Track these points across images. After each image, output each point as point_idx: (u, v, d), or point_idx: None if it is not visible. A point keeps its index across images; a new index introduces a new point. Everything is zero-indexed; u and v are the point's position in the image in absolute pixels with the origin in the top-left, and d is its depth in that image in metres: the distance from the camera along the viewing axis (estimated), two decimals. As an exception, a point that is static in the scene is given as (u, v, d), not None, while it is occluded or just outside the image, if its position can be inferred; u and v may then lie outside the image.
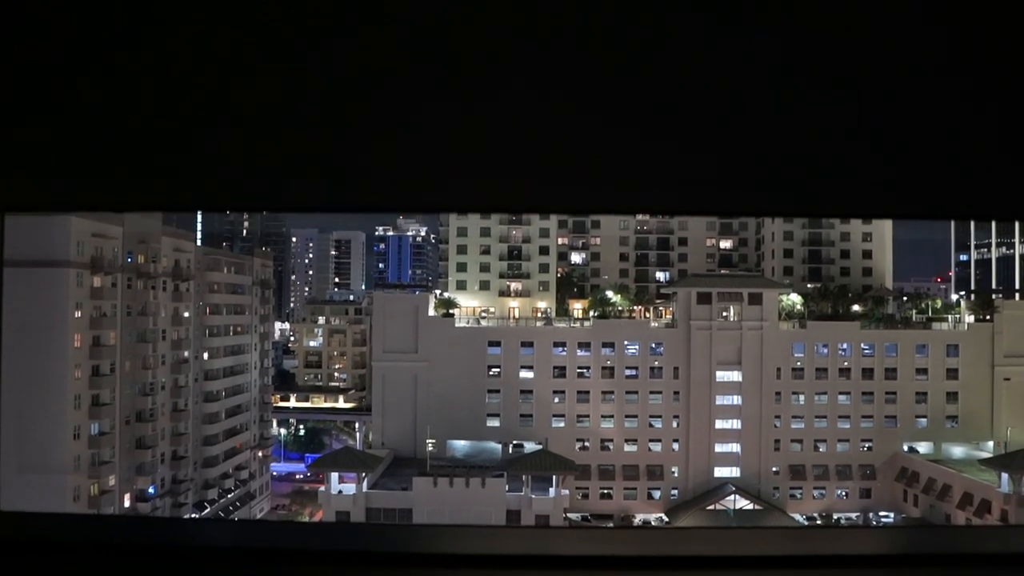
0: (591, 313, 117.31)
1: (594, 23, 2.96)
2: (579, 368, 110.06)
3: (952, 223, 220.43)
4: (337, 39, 2.97)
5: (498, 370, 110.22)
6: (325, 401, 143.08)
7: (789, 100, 2.95)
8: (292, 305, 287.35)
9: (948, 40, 2.93)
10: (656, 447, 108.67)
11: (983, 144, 2.96)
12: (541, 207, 3.12)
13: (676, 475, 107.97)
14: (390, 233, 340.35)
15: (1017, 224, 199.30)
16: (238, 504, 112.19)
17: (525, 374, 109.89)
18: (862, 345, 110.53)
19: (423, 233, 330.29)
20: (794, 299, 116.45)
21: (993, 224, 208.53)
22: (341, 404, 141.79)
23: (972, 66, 2.93)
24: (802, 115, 2.96)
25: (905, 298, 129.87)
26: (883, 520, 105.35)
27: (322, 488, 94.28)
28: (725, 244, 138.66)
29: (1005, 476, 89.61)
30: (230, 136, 3.01)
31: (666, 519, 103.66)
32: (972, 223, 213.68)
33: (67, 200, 3.11)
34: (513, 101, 2.98)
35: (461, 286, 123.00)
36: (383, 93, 2.97)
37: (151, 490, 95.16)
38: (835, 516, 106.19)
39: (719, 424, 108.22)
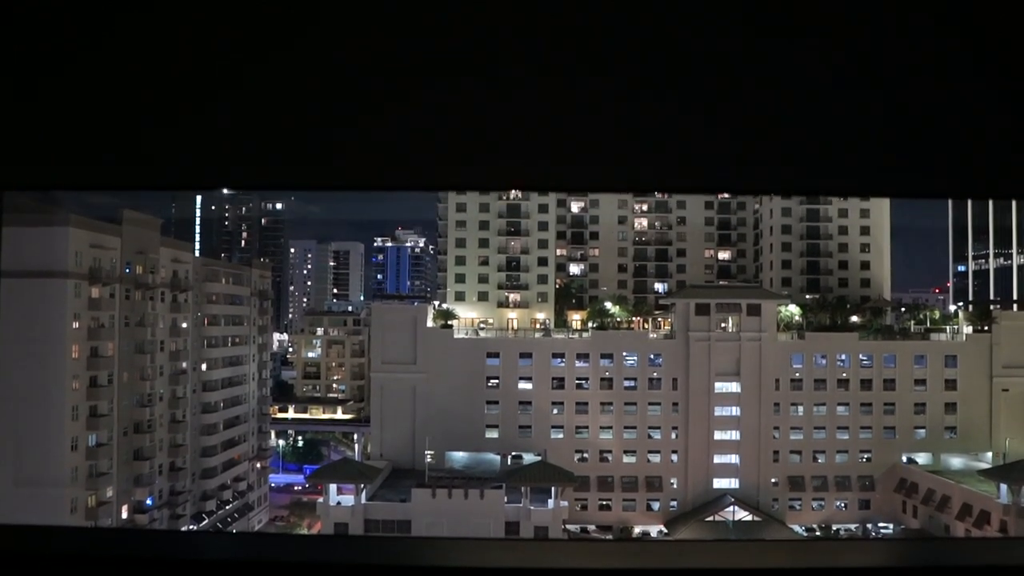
0: (590, 324, 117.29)
1: (594, 21, 2.98)
2: (578, 379, 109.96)
3: (950, 229, 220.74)
4: (329, 23, 2.98)
5: (497, 381, 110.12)
6: (323, 412, 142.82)
7: (802, 81, 2.97)
8: (290, 316, 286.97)
9: (960, 27, 2.95)
10: (655, 458, 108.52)
11: (992, 126, 2.98)
12: (541, 185, 3.13)
13: (675, 486, 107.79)
14: (388, 244, 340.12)
15: (1015, 233, 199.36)
16: (236, 516, 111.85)
17: (524, 385, 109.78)
18: (860, 356, 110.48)
19: (421, 244, 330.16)
20: (792, 310, 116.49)
21: (991, 203, 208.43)
22: (340, 415, 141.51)
23: (982, 52, 2.95)
24: (817, 95, 2.98)
25: (903, 309, 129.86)
26: (882, 531, 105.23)
27: (320, 499, 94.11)
28: (724, 255, 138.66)
29: (1004, 487, 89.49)
30: (225, 117, 3.02)
31: (665, 531, 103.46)
32: (970, 232, 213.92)
33: (60, 179, 3.12)
34: (516, 83, 2.99)
35: (460, 297, 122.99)
36: (375, 74, 2.99)
37: (149, 502, 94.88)
38: (834, 527, 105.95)
39: (718, 435, 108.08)
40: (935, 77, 2.97)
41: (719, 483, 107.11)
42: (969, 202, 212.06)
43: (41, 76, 3.02)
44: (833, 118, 3.00)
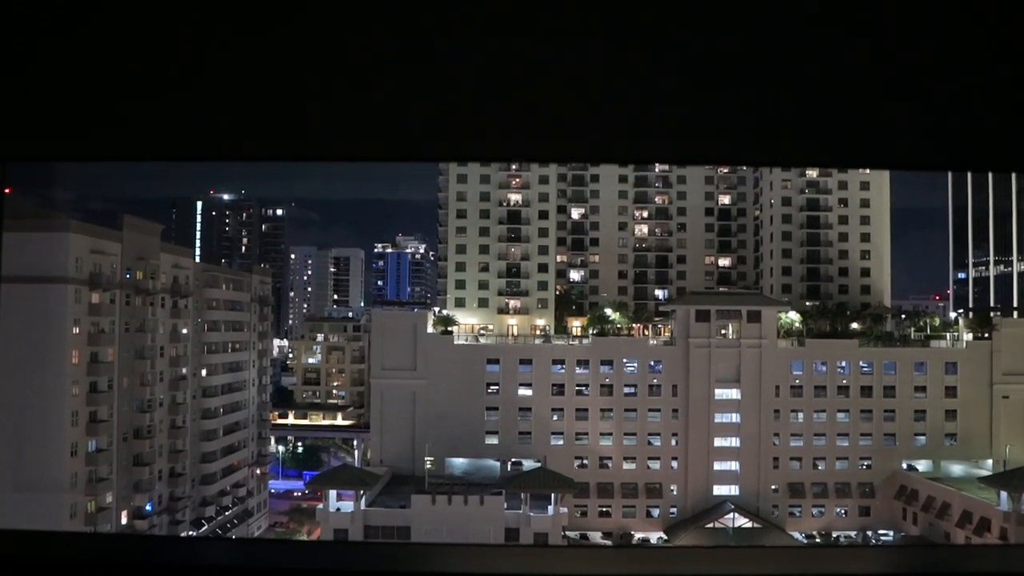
0: (590, 331, 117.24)
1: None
2: (578, 386, 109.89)
3: (951, 236, 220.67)
4: None
5: (497, 387, 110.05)
6: (323, 418, 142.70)
7: (817, 52, 2.97)
8: (291, 322, 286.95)
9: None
10: (655, 465, 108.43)
11: (1008, 99, 2.97)
12: (544, 156, 3.12)
13: (675, 493, 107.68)
14: (389, 250, 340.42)
15: (1015, 240, 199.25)
16: (236, 522, 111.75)
17: (524, 392, 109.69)
18: (860, 363, 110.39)
19: (422, 250, 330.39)
20: (793, 317, 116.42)
21: (991, 209, 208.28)
22: (339, 421, 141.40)
23: (998, 26, 2.95)
24: (833, 68, 2.97)
25: (903, 316, 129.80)
26: (882, 538, 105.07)
27: (320, 506, 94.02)
28: (724, 262, 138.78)
29: (1004, 494, 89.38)
30: (218, 90, 3.02)
31: (665, 537, 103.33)
32: (970, 239, 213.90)
33: (57, 151, 3.13)
34: (518, 53, 2.98)
35: (460, 303, 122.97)
36: (371, 45, 2.98)
37: (149, 507, 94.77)
38: (834, 534, 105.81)
39: (718, 442, 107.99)
40: (935, 48, 2.97)
41: (719, 490, 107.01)
42: (970, 208, 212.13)
43: (38, 50, 3.03)
44: (837, 89, 2.99)
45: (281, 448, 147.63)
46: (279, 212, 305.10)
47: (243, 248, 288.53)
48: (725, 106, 2.99)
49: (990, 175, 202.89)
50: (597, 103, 3.00)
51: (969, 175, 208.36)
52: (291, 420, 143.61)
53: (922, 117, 3.00)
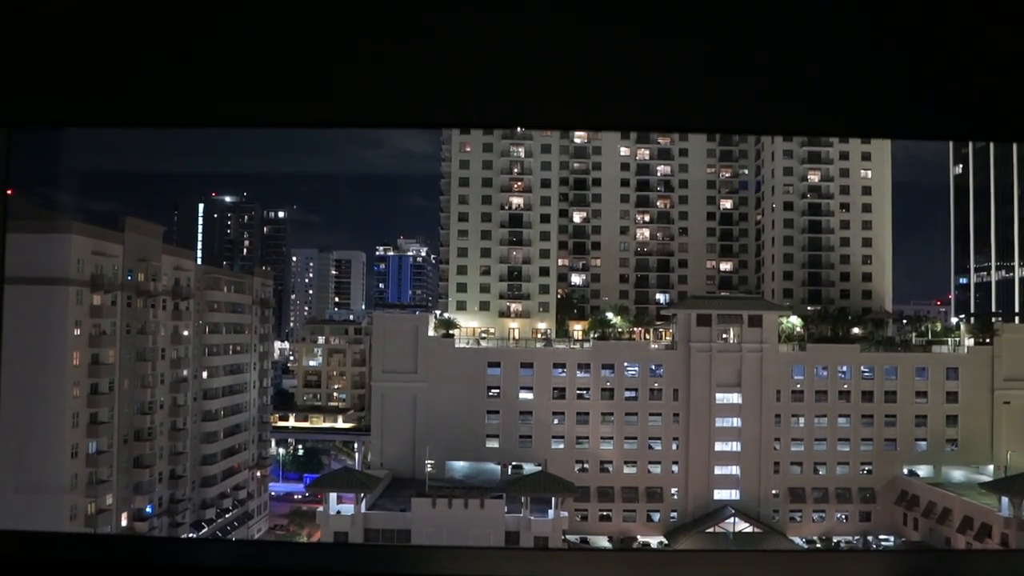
0: (591, 334, 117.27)
1: None
2: (579, 389, 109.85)
3: (952, 241, 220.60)
4: None
5: (498, 391, 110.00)
6: (324, 421, 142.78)
7: (820, 20, 2.96)
8: (292, 324, 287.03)
9: None
10: (656, 469, 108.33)
11: (1009, 67, 2.97)
12: (543, 123, 3.11)
13: (676, 497, 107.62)
14: (390, 253, 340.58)
15: (1017, 245, 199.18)
16: (236, 524, 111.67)
17: (525, 395, 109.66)
18: (862, 368, 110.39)
19: (423, 253, 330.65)
20: (794, 321, 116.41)
21: (992, 214, 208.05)
22: (340, 424, 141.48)
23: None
24: (820, 35, 2.97)
25: (905, 321, 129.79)
26: (883, 543, 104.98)
27: (320, 508, 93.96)
28: (725, 266, 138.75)
29: (1005, 500, 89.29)
30: (214, 56, 3.01)
31: (665, 542, 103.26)
32: (972, 244, 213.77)
33: (65, 116, 3.13)
34: (520, 19, 2.97)
35: (461, 306, 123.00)
36: (372, 12, 2.97)
37: (149, 509, 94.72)
38: (835, 539, 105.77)
39: (719, 446, 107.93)
40: (936, 19, 2.96)
41: (720, 494, 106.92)
42: (971, 212, 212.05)
43: (43, 10, 3.02)
44: (837, 58, 2.99)
45: (282, 451, 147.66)
46: (281, 214, 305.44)
47: (244, 250, 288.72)
48: (729, 74, 2.98)
49: (991, 178, 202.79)
50: (598, 69, 3.00)
51: (970, 177, 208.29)
52: (292, 423, 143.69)
53: (923, 84, 2.99)
